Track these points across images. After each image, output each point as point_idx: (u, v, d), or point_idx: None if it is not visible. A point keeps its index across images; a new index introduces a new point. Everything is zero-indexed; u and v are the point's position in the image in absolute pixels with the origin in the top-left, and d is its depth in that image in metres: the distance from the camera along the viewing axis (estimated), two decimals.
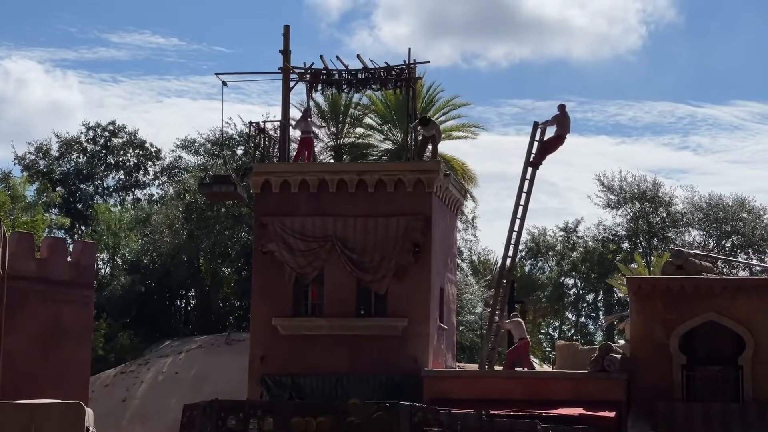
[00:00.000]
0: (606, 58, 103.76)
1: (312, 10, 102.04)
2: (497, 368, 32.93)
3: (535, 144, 33.15)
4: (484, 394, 29.91)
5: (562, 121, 33.19)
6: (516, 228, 33.01)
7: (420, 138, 34.03)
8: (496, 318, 32.90)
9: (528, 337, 33.67)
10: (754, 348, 29.73)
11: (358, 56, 34.36)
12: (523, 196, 33.02)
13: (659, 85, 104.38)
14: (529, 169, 33.14)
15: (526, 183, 33.08)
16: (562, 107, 33.36)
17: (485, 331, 33.56)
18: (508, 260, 33.24)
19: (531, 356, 33.54)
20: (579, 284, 67.04)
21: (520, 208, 32.96)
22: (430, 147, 33.77)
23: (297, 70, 34.30)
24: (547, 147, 33.17)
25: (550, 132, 33.26)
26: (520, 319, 33.65)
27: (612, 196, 64.19)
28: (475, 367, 34.96)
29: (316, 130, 34.35)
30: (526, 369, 32.21)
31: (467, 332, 52.21)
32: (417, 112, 35.86)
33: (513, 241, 32.97)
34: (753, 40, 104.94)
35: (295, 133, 35.27)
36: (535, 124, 33.41)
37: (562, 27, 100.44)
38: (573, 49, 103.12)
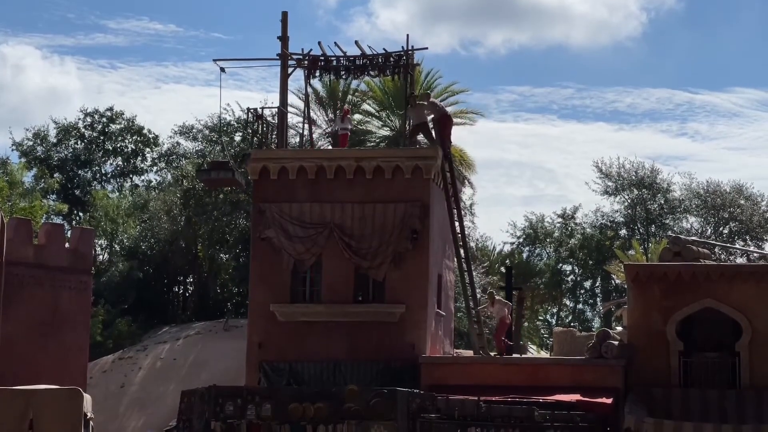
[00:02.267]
0: (605, 44, 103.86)
1: None
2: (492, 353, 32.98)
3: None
4: (481, 380, 29.94)
5: (433, 107, 33.79)
6: (456, 217, 33.22)
7: (412, 123, 34.14)
8: (472, 304, 33.07)
9: (506, 315, 33.53)
10: (751, 334, 29.75)
11: (356, 43, 34.35)
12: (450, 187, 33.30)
13: (658, 71, 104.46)
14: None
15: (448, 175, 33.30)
16: (426, 96, 34.55)
17: (468, 320, 33.61)
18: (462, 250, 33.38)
19: (506, 337, 33.49)
20: (577, 271, 67.10)
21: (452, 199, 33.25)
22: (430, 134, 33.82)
23: (295, 57, 34.24)
24: (443, 133, 33.39)
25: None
26: (505, 301, 33.74)
27: (610, 183, 64.28)
28: (472, 353, 34.99)
29: (349, 126, 34.68)
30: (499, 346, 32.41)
31: (465, 318, 52.25)
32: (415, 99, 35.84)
33: (459, 231, 33.19)
34: (752, 28, 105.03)
35: (292, 120, 35.20)
36: (435, 122, 33.91)
37: (561, 13, 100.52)
38: (572, 35, 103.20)
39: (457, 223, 33.07)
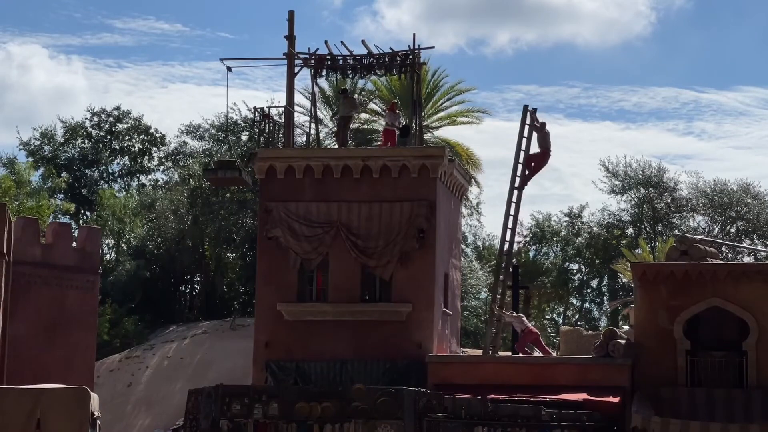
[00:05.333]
0: (613, 43, 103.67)
1: None
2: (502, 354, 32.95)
3: (526, 128, 32.81)
4: (488, 379, 29.94)
5: (545, 135, 32.90)
6: (512, 212, 32.80)
7: (340, 117, 34.18)
8: (497, 305, 32.92)
9: (530, 325, 33.56)
10: (759, 333, 29.70)
11: (363, 42, 34.32)
12: (517, 182, 32.80)
13: (665, 70, 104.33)
14: (522, 154, 32.86)
15: (520, 167, 32.73)
16: (543, 124, 33.08)
17: (488, 317, 33.58)
18: (506, 245, 33.09)
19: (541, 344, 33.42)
20: (583, 270, 67.00)
21: (515, 193, 32.85)
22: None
23: (302, 56, 34.24)
24: (536, 162, 32.79)
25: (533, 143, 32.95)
26: (519, 314, 33.75)
27: (617, 182, 64.11)
28: (479, 352, 34.99)
29: (399, 121, 34.22)
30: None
31: (472, 318, 52.33)
32: (422, 97, 35.86)
33: (510, 225, 32.82)
34: (760, 26, 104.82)
35: (299, 119, 35.17)
36: (525, 108, 33.09)
37: (569, 12, 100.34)
38: (580, 34, 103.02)
39: (509, 232, 32.77)
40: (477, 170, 52.42)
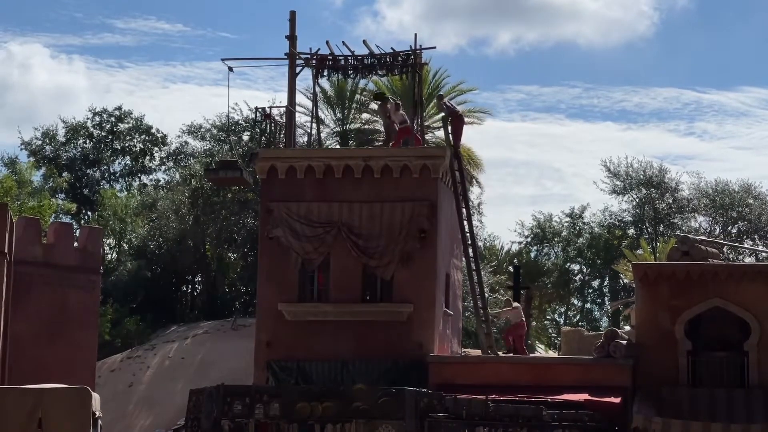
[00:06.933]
0: (615, 43, 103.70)
1: None
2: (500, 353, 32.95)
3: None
4: (489, 379, 29.93)
5: (444, 106, 34.41)
6: (467, 229, 33.21)
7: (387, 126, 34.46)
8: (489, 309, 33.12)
9: (522, 320, 33.60)
10: (760, 334, 29.69)
11: (364, 42, 34.31)
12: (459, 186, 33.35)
13: (667, 71, 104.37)
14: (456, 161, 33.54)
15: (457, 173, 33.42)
16: (439, 97, 35.34)
17: (476, 318, 33.60)
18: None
19: (526, 341, 33.52)
20: (585, 270, 67.05)
21: (463, 209, 33.20)
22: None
23: (303, 56, 34.24)
24: (453, 132, 33.77)
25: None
26: (516, 304, 33.83)
27: (618, 182, 64.16)
28: (480, 352, 34.98)
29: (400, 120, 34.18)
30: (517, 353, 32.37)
31: (473, 318, 52.20)
32: (423, 97, 35.86)
33: (467, 230, 33.13)
34: (763, 27, 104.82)
35: (300, 119, 35.16)
36: (444, 120, 34.33)
37: (571, 11, 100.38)
38: (582, 34, 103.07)
39: (465, 223, 33.06)
40: (478, 170, 52.43)
